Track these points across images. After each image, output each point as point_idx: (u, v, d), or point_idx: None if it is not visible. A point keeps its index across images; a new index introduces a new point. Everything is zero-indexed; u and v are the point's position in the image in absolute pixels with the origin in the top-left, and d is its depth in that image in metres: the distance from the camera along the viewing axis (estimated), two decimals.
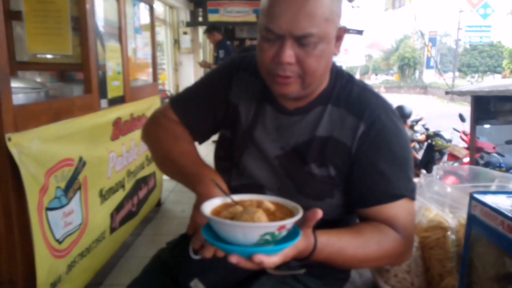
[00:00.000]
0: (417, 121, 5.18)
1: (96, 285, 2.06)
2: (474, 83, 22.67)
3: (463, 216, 1.11)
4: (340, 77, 0.95)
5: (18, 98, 1.52)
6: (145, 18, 3.03)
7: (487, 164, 3.69)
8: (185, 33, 8.80)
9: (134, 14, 2.71)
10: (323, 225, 0.84)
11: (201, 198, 0.80)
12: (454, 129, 4.79)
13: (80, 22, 1.90)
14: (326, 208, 0.86)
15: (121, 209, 2.26)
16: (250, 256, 0.66)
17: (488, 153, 3.88)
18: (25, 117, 1.42)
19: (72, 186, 1.67)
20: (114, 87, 2.26)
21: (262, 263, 0.65)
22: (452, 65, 29.18)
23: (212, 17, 8.43)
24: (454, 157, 4.27)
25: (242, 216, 0.68)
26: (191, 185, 0.86)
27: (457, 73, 28.76)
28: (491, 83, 3.17)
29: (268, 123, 0.95)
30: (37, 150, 1.43)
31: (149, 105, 2.80)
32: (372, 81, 37.66)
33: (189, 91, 1.08)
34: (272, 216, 0.70)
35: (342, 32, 0.88)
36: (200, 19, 8.78)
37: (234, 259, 0.66)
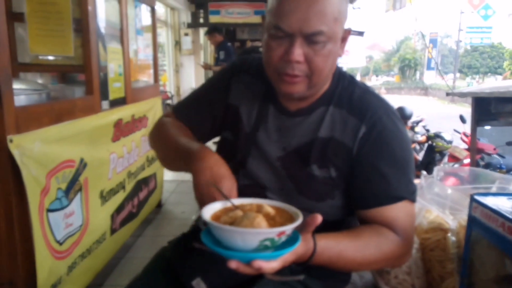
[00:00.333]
0: (417, 122, 5.18)
1: (97, 286, 2.07)
2: (470, 85, 22.67)
3: (463, 217, 1.11)
4: (342, 78, 0.95)
5: (20, 100, 1.53)
6: (146, 20, 3.04)
7: (487, 166, 3.69)
8: (186, 34, 8.81)
9: (135, 16, 2.71)
10: (324, 226, 0.84)
11: (199, 162, 0.80)
12: (455, 130, 4.79)
13: (82, 24, 1.90)
14: (327, 209, 0.89)
15: (122, 210, 2.26)
16: (249, 262, 0.66)
17: (489, 154, 3.88)
18: (26, 118, 1.42)
19: (73, 187, 1.68)
20: (116, 89, 2.27)
21: (261, 269, 0.66)
22: (453, 66, 29.19)
23: (213, 19, 8.45)
24: (454, 159, 4.27)
25: (242, 221, 0.68)
26: (188, 158, 0.85)
27: (458, 74, 28.75)
28: (492, 84, 3.17)
29: (270, 124, 0.95)
30: (39, 152, 1.43)
31: (150, 106, 2.81)
32: (373, 82, 37.67)
33: (190, 96, 1.09)
34: (272, 221, 0.70)
35: (347, 33, 0.88)
36: (201, 20, 8.79)
37: (233, 264, 0.66)
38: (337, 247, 0.80)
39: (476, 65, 30.55)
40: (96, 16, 1.99)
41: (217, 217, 0.73)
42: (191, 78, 9.32)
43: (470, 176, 1.49)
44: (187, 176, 0.89)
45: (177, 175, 3.75)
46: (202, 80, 9.84)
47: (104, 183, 2.02)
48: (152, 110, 2.86)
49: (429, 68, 31.45)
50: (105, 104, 2.12)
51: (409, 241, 0.89)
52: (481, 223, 0.93)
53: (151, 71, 3.16)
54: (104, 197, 2.02)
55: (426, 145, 5.04)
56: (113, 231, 2.12)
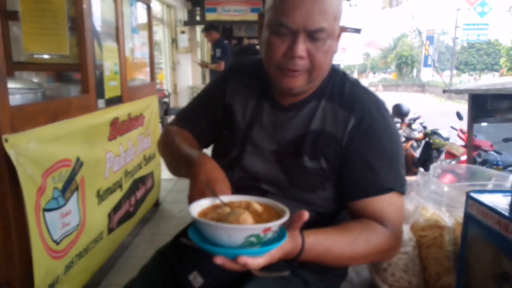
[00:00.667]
0: (414, 120, 5.18)
1: (94, 286, 2.06)
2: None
3: (460, 215, 1.11)
4: (334, 74, 0.98)
5: (15, 99, 1.52)
6: (142, 18, 3.03)
7: (484, 162, 3.70)
8: (182, 32, 8.78)
9: (131, 14, 2.70)
10: (318, 217, 0.88)
11: (197, 167, 0.84)
12: (452, 127, 4.80)
13: (77, 22, 1.89)
14: (319, 201, 0.91)
15: (119, 209, 2.25)
16: (235, 258, 0.67)
17: (486, 151, 3.89)
18: (22, 118, 1.41)
19: (69, 186, 1.67)
20: (112, 87, 2.26)
21: (246, 265, 0.67)
22: (450, 63, 29.23)
23: (210, 16, 8.42)
24: (451, 155, 4.28)
25: (228, 217, 0.69)
26: (189, 164, 0.88)
27: (454, 71, 28.80)
28: (488, 81, 3.17)
29: (265, 120, 0.98)
30: (34, 151, 1.42)
31: (146, 105, 2.80)
32: (370, 79, 37.68)
33: (190, 103, 1.14)
34: (258, 218, 0.71)
35: (342, 31, 0.92)
36: (198, 18, 8.76)
37: (219, 260, 0.67)
38: (326, 243, 0.81)
39: (473, 62, 30.61)
40: (92, 14, 1.98)
41: (204, 213, 0.74)
42: (188, 76, 9.29)
43: (467, 173, 1.50)
44: None
45: None
46: (199, 78, 9.83)
47: (101, 182, 2.02)
48: (149, 108, 2.85)
49: (426, 65, 31.46)
50: (101, 102, 2.11)
51: (397, 233, 0.90)
52: (477, 220, 0.93)
53: (148, 69, 3.15)
54: (101, 196, 2.02)
55: (423, 142, 5.04)
56: (110, 230, 2.12)
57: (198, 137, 1.07)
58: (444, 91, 3.13)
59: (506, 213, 0.85)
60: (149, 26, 3.09)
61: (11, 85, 1.49)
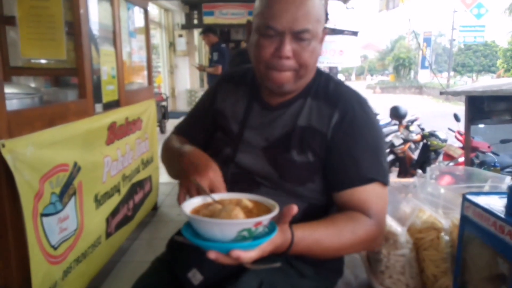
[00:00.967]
0: (412, 121, 5.19)
1: None
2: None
3: (456, 217, 1.11)
4: (319, 75, 1.05)
5: (12, 104, 1.52)
6: (139, 22, 3.03)
7: (482, 164, 3.70)
8: (180, 35, 8.80)
9: (128, 18, 2.70)
10: (310, 209, 0.96)
11: (187, 157, 0.92)
12: (449, 129, 4.81)
13: (74, 27, 1.90)
14: (309, 193, 0.97)
15: (117, 213, 2.25)
16: (228, 252, 0.69)
17: (483, 152, 3.90)
18: (19, 123, 1.41)
19: (67, 191, 1.67)
20: (109, 91, 2.26)
21: (239, 258, 0.69)
22: (447, 65, 29.32)
23: (208, 20, 8.45)
24: (449, 157, 4.28)
25: (220, 214, 0.72)
26: (180, 157, 0.95)
27: (452, 73, 28.88)
28: (485, 83, 3.19)
29: (255, 121, 1.04)
30: (32, 156, 1.42)
31: (144, 109, 2.80)
32: (368, 81, 37.75)
33: (187, 114, 1.23)
34: (249, 213, 0.74)
35: (324, 34, 0.99)
36: (196, 21, 8.78)
37: (212, 254, 0.70)
38: (314, 235, 0.86)
39: (470, 64, 30.68)
40: (88, 19, 1.98)
41: (197, 211, 0.76)
42: (185, 79, 9.30)
43: (464, 175, 1.50)
44: None
45: None
46: (197, 81, 9.84)
47: (99, 186, 2.01)
48: (147, 112, 2.85)
49: (423, 67, 31.54)
50: (98, 107, 2.11)
51: (381, 223, 0.95)
52: (473, 222, 0.94)
53: (145, 73, 3.15)
54: (99, 201, 2.01)
55: (421, 144, 5.05)
56: (108, 234, 2.11)
57: (194, 142, 1.11)
58: (441, 93, 3.13)
59: (502, 215, 0.85)
60: (147, 30, 3.10)
61: (8, 90, 1.50)
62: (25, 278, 1.39)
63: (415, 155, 5.13)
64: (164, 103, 7.19)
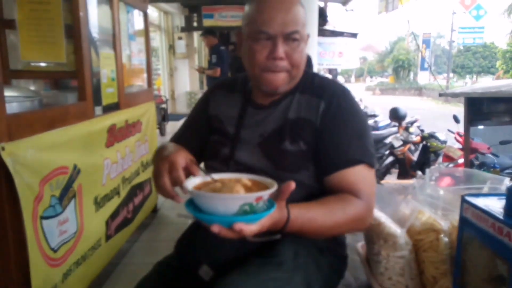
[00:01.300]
0: (412, 123, 5.20)
1: None
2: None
3: (455, 218, 1.12)
4: (305, 74, 1.12)
5: (12, 107, 1.52)
6: (139, 24, 3.04)
7: (481, 165, 3.71)
8: (180, 38, 8.82)
9: (128, 21, 2.71)
10: (306, 195, 1.00)
11: (161, 151, 0.98)
12: (449, 130, 4.82)
13: (74, 30, 1.90)
14: (304, 179, 1.02)
15: (117, 216, 2.25)
16: (231, 226, 0.72)
17: (483, 153, 3.90)
18: (19, 126, 1.42)
19: (66, 194, 1.67)
20: (109, 94, 2.26)
21: (242, 231, 0.73)
22: (447, 66, 29.33)
23: (207, 22, 8.47)
24: (449, 158, 4.29)
25: (222, 190, 0.75)
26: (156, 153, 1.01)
27: (451, 74, 28.89)
28: (484, 84, 3.20)
29: (250, 121, 1.10)
30: (32, 159, 1.43)
31: (144, 111, 2.80)
32: (367, 83, 37.79)
33: (182, 124, 1.27)
34: (249, 190, 0.78)
35: (307, 38, 1.07)
36: (195, 24, 8.80)
37: (215, 228, 0.73)
38: (308, 214, 0.91)
39: (469, 65, 30.71)
40: (88, 22, 1.99)
41: (198, 188, 0.80)
42: (185, 81, 9.32)
43: (464, 176, 1.50)
44: None
45: None
46: (196, 84, 9.85)
47: (98, 189, 2.01)
48: (146, 114, 2.86)
49: (422, 68, 31.54)
50: (98, 109, 2.11)
51: (369, 203, 0.99)
52: (472, 224, 0.94)
53: (145, 75, 3.15)
54: (99, 203, 2.01)
55: (420, 145, 5.06)
56: (108, 237, 2.11)
57: (189, 147, 1.12)
58: (440, 95, 3.14)
59: (501, 217, 0.85)
60: (146, 32, 3.10)
61: (8, 93, 1.50)
62: (25, 281, 1.39)
63: (414, 157, 5.13)
64: (164, 106, 7.20)
